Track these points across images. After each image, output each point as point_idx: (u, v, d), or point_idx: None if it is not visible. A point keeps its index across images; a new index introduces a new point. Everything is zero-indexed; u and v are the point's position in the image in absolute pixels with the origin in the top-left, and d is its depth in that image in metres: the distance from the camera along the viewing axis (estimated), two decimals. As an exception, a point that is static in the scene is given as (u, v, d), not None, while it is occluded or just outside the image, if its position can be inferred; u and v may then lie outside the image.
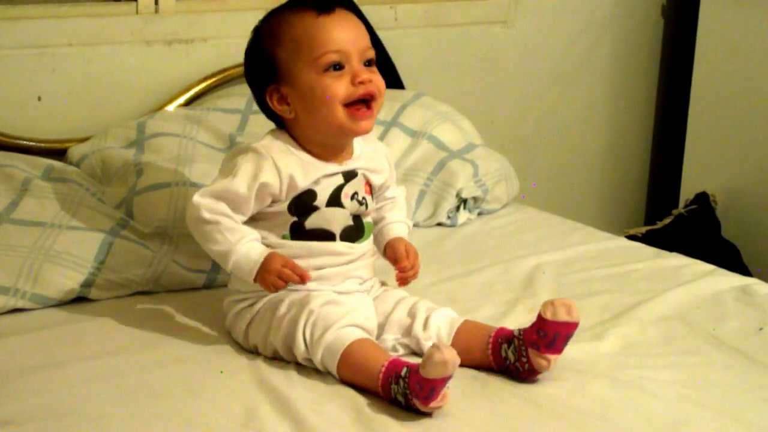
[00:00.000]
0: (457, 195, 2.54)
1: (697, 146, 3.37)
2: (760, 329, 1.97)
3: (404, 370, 1.60)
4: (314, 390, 1.68)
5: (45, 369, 1.73)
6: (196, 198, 1.80)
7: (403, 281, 1.89)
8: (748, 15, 3.20)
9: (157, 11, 2.57)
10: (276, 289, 1.77)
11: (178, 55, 2.61)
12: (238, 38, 2.65)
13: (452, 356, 1.55)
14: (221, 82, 2.65)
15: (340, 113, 1.80)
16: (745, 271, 2.93)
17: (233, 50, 2.65)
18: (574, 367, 1.75)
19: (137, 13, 2.56)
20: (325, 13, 1.81)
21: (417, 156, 2.56)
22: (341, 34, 1.80)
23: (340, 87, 1.79)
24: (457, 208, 2.56)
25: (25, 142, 2.41)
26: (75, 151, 2.41)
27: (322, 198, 1.83)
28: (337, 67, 1.80)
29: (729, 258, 3.07)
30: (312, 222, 1.83)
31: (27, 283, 1.97)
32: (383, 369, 1.63)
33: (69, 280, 2.01)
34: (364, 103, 1.81)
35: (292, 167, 1.82)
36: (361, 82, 1.80)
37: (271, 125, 1.91)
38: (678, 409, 1.65)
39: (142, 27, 2.55)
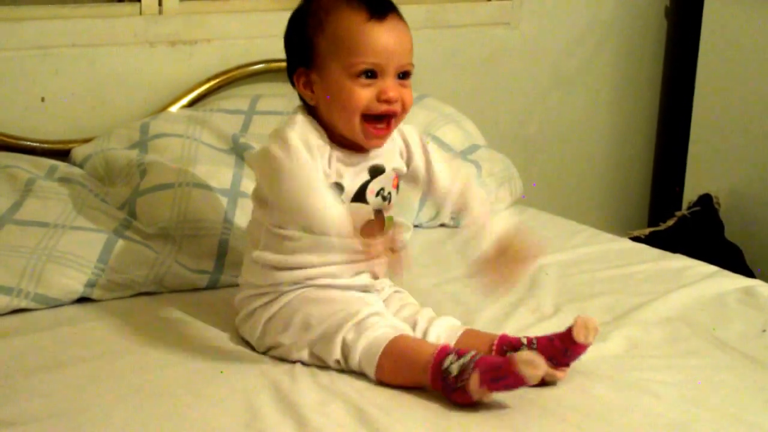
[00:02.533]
0: (461, 196, 2.53)
1: (701, 148, 3.37)
2: (764, 331, 1.97)
3: (472, 351, 1.62)
4: (317, 391, 1.67)
5: (48, 369, 1.73)
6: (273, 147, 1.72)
7: None
8: (751, 16, 3.20)
9: (160, 12, 2.57)
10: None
11: (182, 56, 2.61)
12: (242, 39, 2.68)
13: (543, 367, 1.57)
14: (224, 83, 2.65)
15: (356, 123, 1.76)
16: (748, 272, 2.92)
17: (236, 51, 2.66)
18: (577, 368, 1.74)
19: (141, 14, 2.55)
20: (376, 18, 1.76)
21: (420, 157, 2.56)
22: (385, 43, 1.75)
23: (364, 97, 1.74)
24: (460, 209, 2.56)
25: (28, 143, 2.40)
26: (78, 152, 2.41)
27: (348, 192, 1.79)
28: (370, 74, 1.75)
29: (732, 259, 3.07)
30: None
31: (30, 283, 1.97)
32: (437, 351, 1.64)
33: (72, 281, 2.00)
34: (385, 118, 1.78)
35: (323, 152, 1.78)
36: (386, 100, 1.75)
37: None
38: (681, 410, 1.65)
39: (146, 28, 2.55)
